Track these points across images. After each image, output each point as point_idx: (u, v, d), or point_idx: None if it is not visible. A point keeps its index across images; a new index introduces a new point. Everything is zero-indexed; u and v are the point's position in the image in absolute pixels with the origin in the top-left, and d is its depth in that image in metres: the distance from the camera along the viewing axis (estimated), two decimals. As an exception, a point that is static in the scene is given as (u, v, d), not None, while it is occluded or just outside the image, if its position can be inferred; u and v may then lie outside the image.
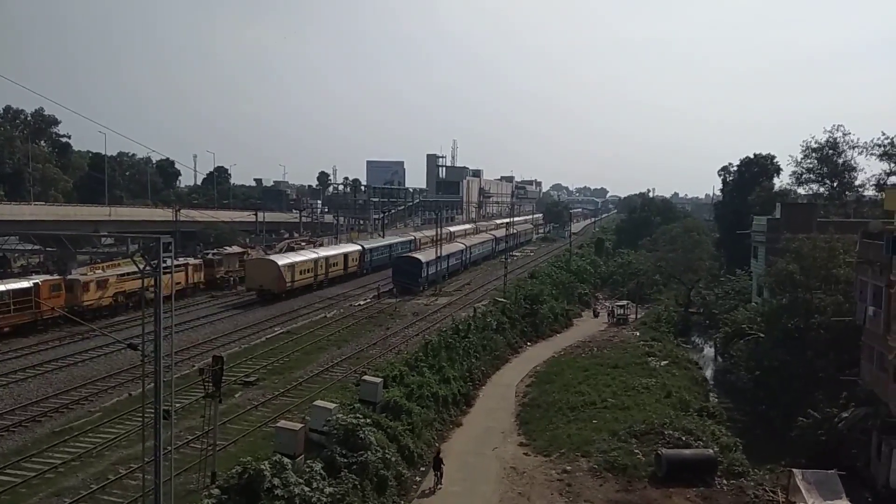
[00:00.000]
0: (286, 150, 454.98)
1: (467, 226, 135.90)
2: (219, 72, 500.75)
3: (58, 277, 48.57)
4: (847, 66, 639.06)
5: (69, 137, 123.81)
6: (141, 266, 16.88)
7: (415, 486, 26.75)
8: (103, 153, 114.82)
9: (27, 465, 24.15)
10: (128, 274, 50.56)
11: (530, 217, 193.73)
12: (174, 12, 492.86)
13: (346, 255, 75.32)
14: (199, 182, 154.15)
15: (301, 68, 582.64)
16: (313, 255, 69.49)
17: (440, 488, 26.52)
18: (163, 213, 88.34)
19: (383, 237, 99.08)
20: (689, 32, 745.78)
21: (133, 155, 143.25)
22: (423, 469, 28.28)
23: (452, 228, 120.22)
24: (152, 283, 16.61)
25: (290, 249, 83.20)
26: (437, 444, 30.62)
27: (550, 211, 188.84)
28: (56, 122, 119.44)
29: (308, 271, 66.29)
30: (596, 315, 67.59)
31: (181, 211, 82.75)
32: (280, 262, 62.29)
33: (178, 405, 27.96)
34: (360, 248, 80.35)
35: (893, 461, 28.09)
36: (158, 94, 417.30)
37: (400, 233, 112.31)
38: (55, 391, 32.91)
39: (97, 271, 51.54)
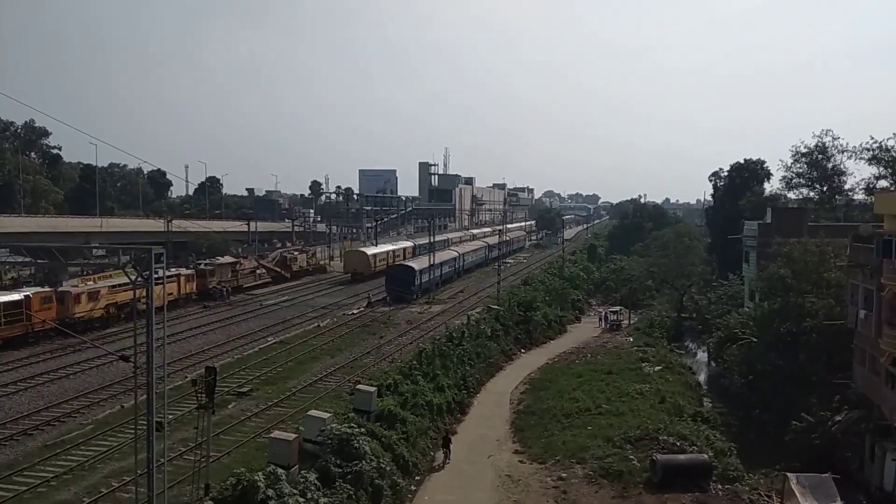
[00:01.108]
0: (278, 159, 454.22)
1: (486, 229, 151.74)
2: (210, 81, 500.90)
3: (49, 289, 48.29)
4: (837, 70, 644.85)
5: (60, 149, 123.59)
6: (133, 277, 16.84)
7: (409, 496, 26.69)
8: (94, 164, 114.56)
9: (19, 479, 23.95)
10: (119, 285, 50.32)
11: (523, 224, 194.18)
12: (165, 22, 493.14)
13: (404, 249, 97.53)
14: (190, 192, 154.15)
15: (292, 77, 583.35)
16: (386, 249, 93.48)
17: (448, 463, 30.17)
18: (154, 224, 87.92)
19: (376, 244, 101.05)
20: (678, 40, 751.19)
21: (124, 166, 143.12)
22: (418, 478, 28.30)
23: (474, 231, 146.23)
24: (144, 294, 16.56)
25: (283, 259, 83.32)
26: (445, 427, 33.90)
27: (543, 218, 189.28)
28: (46, 134, 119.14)
29: (383, 260, 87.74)
30: (578, 320, 67.57)
31: (173, 221, 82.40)
32: (369, 253, 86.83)
33: (170, 417, 27.85)
34: (412, 244, 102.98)
35: (887, 464, 28.21)
36: (150, 104, 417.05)
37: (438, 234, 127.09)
38: (47, 404, 32.68)
39: (88, 283, 51.26)
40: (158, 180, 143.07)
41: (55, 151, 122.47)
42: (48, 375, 37.50)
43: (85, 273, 55.35)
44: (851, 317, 34.27)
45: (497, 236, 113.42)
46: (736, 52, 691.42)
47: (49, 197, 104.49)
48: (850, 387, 33.80)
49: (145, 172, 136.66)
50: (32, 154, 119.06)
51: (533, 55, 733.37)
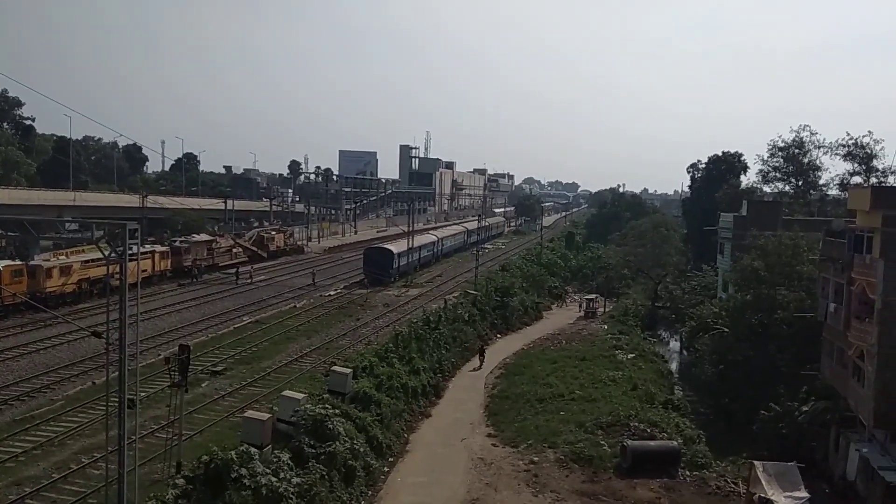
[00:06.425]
0: (257, 137, 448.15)
1: (471, 217, 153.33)
2: (193, 54, 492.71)
3: (20, 263, 47.47)
4: (815, 65, 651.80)
5: (33, 120, 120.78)
6: (106, 252, 16.61)
7: (383, 477, 26.84)
8: (68, 136, 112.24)
9: (-14, 454, 23.65)
10: (92, 260, 49.59)
11: (502, 210, 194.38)
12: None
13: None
14: (167, 168, 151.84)
15: (275, 49, 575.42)
16: None
17: (481, 368, 43.20)
18: (129, 200, 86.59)
19: (356, 231, 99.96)
20: (665, 28, 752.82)
21: (99, 139, 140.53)
22: (391, 459, 28.49)
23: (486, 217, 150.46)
24: (117, 269, 16.34)
25: (260, 238, 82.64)
26: (482, 340, 47.99)
27: (522, 204, 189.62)
28: (20, 104, 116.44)
29: None
30: (549, 307, 67.78)
31: (148, 197, 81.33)
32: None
33: (143, 394, 27.55)
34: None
35: (850, 454, 28.86)
36: (128, 74, 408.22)
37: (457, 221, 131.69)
38: (16, 379, 32.21)
39: (61, 257, 50.48)
40: (134, 155, 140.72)
41: (28, 122, 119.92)
42: (18, 350, 36.93)
43: (57, 247, 54.47)
44: (822, 310, 34.90)
45: (476, 221, 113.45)
46: (720, 43, 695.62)
47: (21, 169, 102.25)
48: (818, 378, 34.48)
49: (120, 146, 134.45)
50: (5, 124, 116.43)
51: (526, 36, 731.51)
